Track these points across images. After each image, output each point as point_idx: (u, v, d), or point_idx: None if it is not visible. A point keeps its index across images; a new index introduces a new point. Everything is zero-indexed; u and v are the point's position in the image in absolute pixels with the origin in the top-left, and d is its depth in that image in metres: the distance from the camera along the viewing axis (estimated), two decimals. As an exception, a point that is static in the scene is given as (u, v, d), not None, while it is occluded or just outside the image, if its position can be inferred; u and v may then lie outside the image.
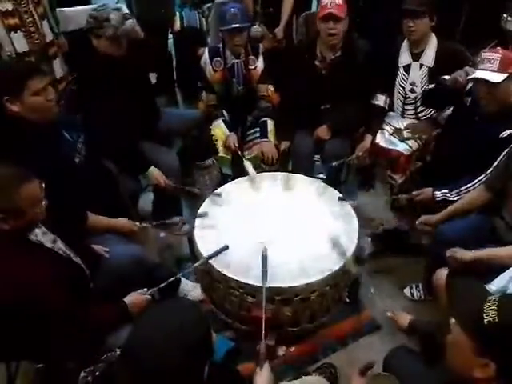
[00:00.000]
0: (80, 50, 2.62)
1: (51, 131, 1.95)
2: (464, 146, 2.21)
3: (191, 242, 2.17)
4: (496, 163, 2.04)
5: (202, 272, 2.07)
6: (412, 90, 2.66)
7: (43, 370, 1.79)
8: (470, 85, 2.26)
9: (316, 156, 2.84)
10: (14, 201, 1.47)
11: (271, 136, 2.85)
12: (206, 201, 2.25)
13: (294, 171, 2.53)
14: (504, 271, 1.71)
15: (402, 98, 2.73)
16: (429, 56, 2.58)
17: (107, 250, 1.97)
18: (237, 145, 2.77)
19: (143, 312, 1.53)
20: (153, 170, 2.46)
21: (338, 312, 2.15)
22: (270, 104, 2.91)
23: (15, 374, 1.90)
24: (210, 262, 1.93)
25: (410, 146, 2.64)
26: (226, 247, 1.95)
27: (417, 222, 2.19)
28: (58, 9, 2.96)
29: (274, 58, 3.03)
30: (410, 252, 2.48)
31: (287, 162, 2.90)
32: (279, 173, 2.47)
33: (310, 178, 2.43)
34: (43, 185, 1.57)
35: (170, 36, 3.86)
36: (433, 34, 2.57)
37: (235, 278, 1.87)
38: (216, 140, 2.82)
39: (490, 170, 2.06)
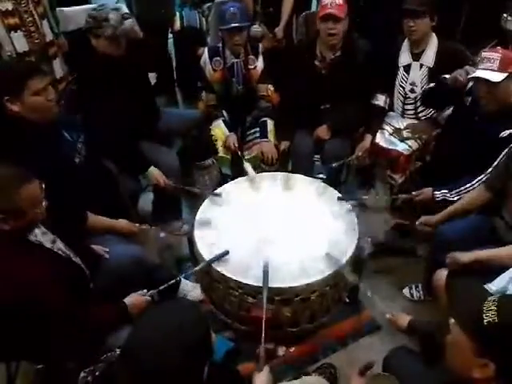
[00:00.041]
0: (79, 49, 2.61)
1: (51, 131, 1.95)
2: (464, 145, 2.21)
3: (191, 242, 2.17)
4: (496, 163, 2.04)
5: (202, 272, 2.07)
6: (412, 90, 2.66)
7: (43, 370, 1.79)
8: (470, 84, 2.25)
9: (316, 156, 2.84)
10: (14, 201, 1.47)
11: (271, 136, 2.85)
12: (206, 201, 2.25)
13: (293, 171, 2.53)
14: (504, 271, 1.71)
15: (401, 98, 2.72)
16: (429, 56, 2.57)
17: (107, 250, 1.97)
18: (236, 145, 2.77)
19: (143, 313, 1.54)
20: (153, 169, 2.46)
21: (337, 312, 2.15)
22: (270, 104, 2.90)
23: (15, 374, 1.90)
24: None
25: (409, 146, 2.63)
26: (227, 252, 1.95)
27: (417, 223, 2.19)
28: (57, 8, 2.96)
29: (274, 57, 3.03)
30: (410, 252, 2.48)
31: (287, 162, 2.90)
32: (279, 173, 2.46)
33: (310, 178, 2.43)
34: (43, 185, 1.57)
35: (170, 36, 3.86)
36: (433, 34, 2.57)
37: (234, 278, 1.87)
38: (216, 140, 2.82)
39: (489, 170, 2.06)
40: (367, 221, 2.50)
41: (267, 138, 2.82)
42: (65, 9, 3.08)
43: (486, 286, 1.61)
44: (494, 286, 1.67)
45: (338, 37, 2.60)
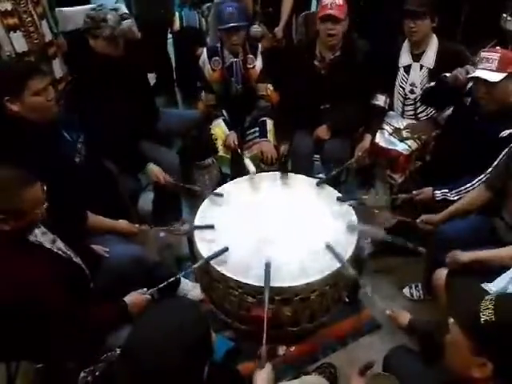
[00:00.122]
0: (78, 50, 2.61)
1: (51, 131, 1.96)
2: (464, 145, 2.21)
3: (191, 241, 2.17)
4: (496, 163, 2.04)
5: (202, 272, 2.07)
6: (412, 91, 2.66)
7: (43, 370, 1.79)
8: (470, 84, 2.25)
9: (316, 156, 2.84)
10: (16, 202, 1.47)
11: (270, 136, 2.85)
12: (206, 201, 2.25)
13: (293, 171, 2.53)
14: (504, 272, 1.71)
15: (401, 99, 2.72)
16: (429, 57, 2.57)
17: (107, 249, 1.97)
18: (237, 143, 2.77)
19: (143, 312, 1.54)
20: (152, 166, 2.46)
21: (337, 312, 2.15)
22: (269, 103, 2.91)
23: (15, 374, 1.90)
24: (210, 262, 1.93)
25: (409, 146, 2.63)
26: (226, 249, 1.95)
27: (418, 221, 2.19)
28: (57, 9, 2.96)
29: (273, 57, 3.03)
30: (409, 252, 2.47)
31: (287, 163, 2.90)
32: (278, 173, 2.46)
33: (310, 178, 2.43)
34: (44, 187, 1.57)
35: (170, 36, 3.86)
36: (434, 35, 2.57)
37: (234, 277, 1.87)
38: (216, 139, 2.82)
39: (489, 170, 2.06)
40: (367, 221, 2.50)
41: (267, 137, 2.82)
42: (64, 9, 3.08)
43: (486, 286, 1.61)
44: (494, 287, 1.67)
45: (338, 37, 2.60)
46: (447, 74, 2.33)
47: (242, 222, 2.11)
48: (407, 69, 2.64)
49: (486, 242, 1.94)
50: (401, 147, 2.64)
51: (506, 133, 2.06)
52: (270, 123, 2.89)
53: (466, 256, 1.82)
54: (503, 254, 1.81)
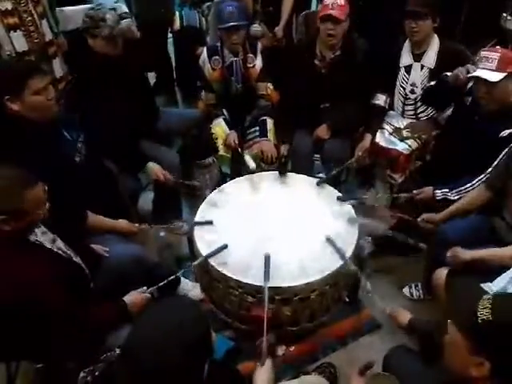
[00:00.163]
0: (78, 49, 2.61)
1: (51, 130, 1.96)
2: (464, 145, 2.21)
3: (191, 241, 2.17)
4: (496, 163, 2.04)
5: (201, 271, 2.07)
6: (412, 91, 2.65)
7: (43, 370, 1.79)
8: (470, 84, 2.25)
9: (316, 156, 2.84)
10: (18, 203, 1.47)
11: (271, 135, 2.85)
12: (206, 201, 2.25)
13: (293, 171, 2.53)
14: (504, 271, 1.71)
15: (402, 99, 2.72)
16: (430, 57, 2.56)
17: (107, 249, 1.97)
18: (237, 142, 2.77)
19: (143, 311, 1.54)
20: (152, 164, 2.45)
21: (337, 311, 2.15)
22: (270, 102, 2.90)
23: (15, 374, 1.90)
24: (210, 261, 1.93)
25: (409, 146, 2.63)
26: (225, 246, 1.95)
27: (419, 220, 2.19)
28: (57, 8, 2.96)
29: (273, 56, 3.03)
30: (409, 251, 2.48)
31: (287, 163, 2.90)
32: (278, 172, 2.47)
33: (310, 178, 2.43)
34: (46, 187, 1.57)
35: (170, 35, 3.85)
36: (435, 35, 2.56)
37: (234, 277, 1.87)
38: (216, 138, 2.82)
39: (489, 170, 2.06)
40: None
41: (267, 137, 2.82)
42: (65, 8, 3.08)
43: (486, 286, 1.61)
44: (494, 286, 1.67)
45: (337, 37, 2.59)
46: (448, 74, 2.33)
47: (242, 221, 2.12)
48: (408, 69, 2.64)
49: (486, 241, 1.94)
50: (401, 147, 2.63)
51: (506, 132, 2.06)
52: (270, 122, 2.89)
53: (467, 254, 1.82)
54: (504, 254, 1.81)
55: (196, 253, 2.03)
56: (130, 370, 1.06)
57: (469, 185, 2.12)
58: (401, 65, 2.65)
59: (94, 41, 2.42)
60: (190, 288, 2.32)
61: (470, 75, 2.15)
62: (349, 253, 1.95)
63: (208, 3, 3.45)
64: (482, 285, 1.54)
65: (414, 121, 2.74)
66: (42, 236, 1.63)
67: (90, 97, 2.35)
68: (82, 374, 1.40)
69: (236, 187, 2.35)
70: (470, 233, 1.99)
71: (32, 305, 1.44)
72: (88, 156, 2.12)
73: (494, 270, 1.75)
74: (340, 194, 2.27)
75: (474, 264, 1.81)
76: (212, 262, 1.93)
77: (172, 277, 1.91)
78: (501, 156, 2.01)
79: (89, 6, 3.07)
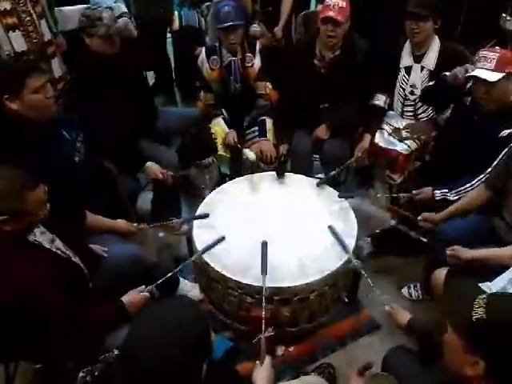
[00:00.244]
0: (76, 49, 2.61)
1: (50, 130, 1.95)
2: (463, 145, 2.21)
3: (190, 241, 2.17)
4: (495, 163, 2.04)
5: (200, 272, 2.07)
6: (412, 92, 2.65)
7: (42, 370, 1.79)
8: (469, 84, 2.25)
9: (315, 156, 2.84)
10: (20, 204, 1.47)
11: (270, 135, 2.85)
12: (205, 200, 2.25)
13: (292, 171, 2.53)
14: (504, 271, 1.71)
15: (401, 100, 2.72)
16: (430, 58, 2.55)
17: (105, 249, 1.97)
18: (236, 140, 2.77)
19: (142, 310, 1.53)
20: (151, 164, 2.45)
21: (337, 312, 2.15)
22: (269, 102, 2.90)
23: (14, 374, 1.90)
24: (209, 261, 1.93)
25: (408, 146, 2.63)
26: (223, 238, 1.96)
27: (418, 218, 2.19)
28: (56, 8, 2.95)
29: (272, 55, 3.02)
30: (409, 252, 2.48)
31: (286, 163, 2.90)
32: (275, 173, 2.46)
33: (309, 178, 2.43)
34: (46, 188, 1.57)
35: (169, 35, 3.85)
36: (436, 37, 2.55)
37: (234, 278, 1.87)
38: (215, 138, 2.82)
39: (489, 170, 2.06)
40: (366, 220, 2.51)
41: (266, 137, 2.82)
42: (64, 8, 3.08)
43: (485, 286, 1.61)
44: (493, 286, 1.67)
45: (338, 38, 2.59)
46: (447, 73, 2.33)
47: (241, 221, 2.12)
48: (408, 70, 2.63)
49: (485, 241, 1.94)
50: (400, 147, 2.63)
51: (505, 133, 2.06)
52: (269, 122, 2.89)
53: (467, 253, 1.82)
54: (503, 253, 1.81)
55: (195, 253, 2.03)
56: (129, 369, 1.06)
57: (468, 185, 2.12)
58: (401, 66, 2.64)
59: (90, 40, 2.42)
60: (189, 289, 2.31)
61: (468, 75, 2.15)
62: (347, 256, 1.95)
63: (207, 3, 3.45)
64: (480, 285, 1.54)
65: (414, 121, 2.74)
66: (41, 236, 1.62)
67: (89, 96, 2.34)
68: (81, 374, 1.40)
69: (235, 187, 2.35)
70: (470, 232, 1.99)
71: (31, 305, 1.44)
72: (87, 156, 2.12)
73: (493, 270, 1.75)
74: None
75: (473, 263, 1.81)
76: (212, 263, 1.93)
77: (170, 274, 1.91)
78: (500, 156, 2.01)
79: (87, 5, 3.08)
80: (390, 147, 2.66)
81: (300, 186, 2.35)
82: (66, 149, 2.06)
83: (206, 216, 2.13)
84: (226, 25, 2.61)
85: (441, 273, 1.91)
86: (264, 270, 1.81)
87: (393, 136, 2.69)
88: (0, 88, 1.82)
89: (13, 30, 2.54)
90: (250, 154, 2.48)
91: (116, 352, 1.19)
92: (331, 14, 2.50)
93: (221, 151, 2.82)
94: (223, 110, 2.92)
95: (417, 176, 2.59)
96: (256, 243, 1.95)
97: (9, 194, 1.45)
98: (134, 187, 2.62)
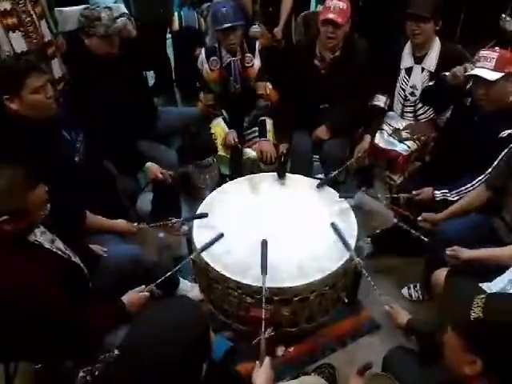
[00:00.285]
0: (76, 49, 2.62)
1: (50, 130, 1.95)
2: (463, 146, 2.21)
3: (189, 242, 2.17)
4: (496, 163, 2.04)
5: (200, 272, 2.07)
6: (412, 93, 2.65)
7: (42, 370, 1.79)
8: (469, 85, 2.25)
9: (315, 156, 2.84)
10: (22, 203, 1.47)
11: (270, 135, 2.85)
12: (205, 201, 2.25)
13: (292, 171, 2.53)
14: (504, 272, 1.71)
15: (401, 100, 2.72)
16: (431, 60, 2.55)
17: (105, 249, 1.97)
18: (236, 140, 2.77)
19: (142, 310, 1.53)
20: (151, 164, 2.45)
21: (337, 312, 2.15)
22: (269, 102, 2.90)
23: (14, 374, 1.90)
24: (209, 262, 1.93)
25: (408, 147, 2.63)
26: (221, 235, 1.96)
27: (419, 219, 2.19)
28: (57, 9, 2.96)
29: (272, 55, 3.02)
30: (409, 252, 2.48)
31: (286, 163, 2.90)
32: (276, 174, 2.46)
33: (309, 179, 2.43)
34: (47, 188, 1.57)
35: (169, 36, 3.85)
36: (436, 38, 2.55)
37: (234, 278, 1.87)
38: (215, 138, 2.82)
39: (489, 170, 2.06)
40: (366, 221, 2.50)
41: (266, 137, 2.82)
42: (63, 9, 3.08)
43: (485, 287, 1.61)
44: (493, 286, 1.67)
45: (337, 40, 2.59)
46: (446, 73, 2.33)
47: (241, 222, 2.12)
48: (408, 71, 2.63)
49: (485, 241, 1.94)
50: (400, 148, 2.64)
51: (505, 133, 2.06)
52: (269, 123, 2.89)
53: (466, 253, 1.82)
54: (502, 253, 1.81)
55: (194, 250, 2.03)
56: (129, 368, 1.06)
57: (469, 185, 2.12)
58: (401, 67, 2.64)
59: (90, 40, 2.43)
60: (189, 289, 2.31)
61: (468, 73, 2.15)
62: (347, 256, 1.95)
63: (207, 4, 3.45)
64: (481, 285, 1.54)
65: (413, 122, 2.74)
66: (41, 236, 1.62)
67: (89, 97, 2.34)
68: (81, 374, 1.40)
69: (236, 187, 2.36)
70: (470, 232, 1.99)
71: (31, 304, 1.44)
72: (87, 156, 2.12)
73: (492, 271, 1.75)
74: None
75: (472, 263, 1.81)
76: (212, 263, 1.93)
77: (170, 272, 1.91)
78: (500, 156, 2.01)
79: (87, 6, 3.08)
80: (389, 148, 2.66)
81: (300, 186, 2.35)
82: (66, 149, 2.06)
83: (205, 215, 2.13)
84: (224, 26, 2.60)
85: (441, 273, 1.91)
86: (264, 270, 1.81)
87: (393, 137, 2.70)
88: (0, 88, 1.82)
89: (13, 31, 2.53)
90: (250, 152, 2.48)
91: (116, 352, 1.18)
92: (331, 16, 2.49)
93: (221, 151, 2.82)
94: (223, 110, 2.92)
95: (417, 176, 2.59)
96: (256, 243, 1.95)
97: (9, 193, 1.45)
98: (133, 187, 2.62)
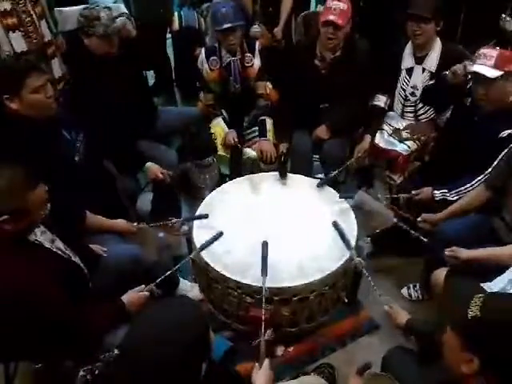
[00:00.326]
0: (75, 49, 2.62)
1: (50, 129, 1.96)
2: (463, 146, 2.21)
3: (189, 242, 2.17)
4: (496, 163, 2.04)
5: (200, 272, 2.07)
6: (412, 94, 2.64)
7: (42, 369, 1.79)
8: (469, 83, 2.25)
9: (315, 156, 2.84)
10: (22, 203, 1.47)
11: (270, 135, 2.85)
12: (205, 201, 2.26)
13: (292, 171, 2.53)
14: (504, 272, 1.71)
15: (402, 100, 2.71)
16: (432, 60, 2.55)
17: (105, 249, 1.97)
18: (236, 140, 2.77)
19: (142, 310, 1.53)
20: (150, 164, 2.45)
21: (336, 312, 2.15)
22: (269, 102, 2.90)
23: (14, 374, 1.90)
24: (209, 261, 1.93)
25: (408, 147, 2.63)
26: (221, 234, 1.96)
27: (418, 219, 2.19)
28: (57, 9, 2.96)
29: (272, 55, 3.02)
30: (409, 252, 2.48)
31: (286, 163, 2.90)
32: (278, 173, 2.46)
33: (309, 178, 2.43)
34: (47, 188, 1.57)
35: (169, 36, 3.86)
36: (438, 39, 2.54)
37: (233, 277, 1.87)
38: (215, 138, 2.82)
39: (489, 170, 2.06)
40: (366, 221, 2.50)
41: (266, 137, 2.82)
42: (63, 9, 3.08)
43: (486, 287, 1.61)
44: (493, 287, 1.67)
45: (338, 41, 2.59)
46: (446, 72, 2.33)
47: (241, 221, 2.12)
48: (409, 71, 2.62)
49: (485, 241, 1.93)
50: (400, 148, 2.64)
51: (505, 133, 2.06)
52: (269, 122, 2.89)
53: (465, 253, 1.82)
54: (502, 253, 1.81)
55: (194, 250, 2.03)
56: (128, 368, 1.06)
57: (468, 185, 2.12)
58: (402, 67, 2.64)
59: (89, 40, 2.43)
60: (189, 288, 2.31)
61: (468, 70, 2.14)
62: (347, 256, 1.95)
63: (207, 4, 3.45)
64: (482, 285, 1.54)
65: (414, 122, 2.74)
66: (42, 236, 1.62)
67: (88, 96, 2.35)
68: (81, 373, 1.40)
69: (236, 187, 2.36)
70: (469, 232, 1.99)
71: (31, 304, 1.44)
72: (87, 156, 2.12)
73: (492, 270, 1.75)
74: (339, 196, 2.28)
75: (471, 263, 1.81)
76: (212, 263, 1.93)
77: (169, 272, 1.91)
78: (500, 156, 2.01)
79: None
80: (390, 148, 2.66)
81: (300, 186, 2.36)
82: (66, 149, 2.06)
83: (205, 216, 2.13)
84: (224, 27, 2.60)
85: (440, 273, 1.91)
86: (264, 271, 1.81)
87: (393, 137, 2.70)
88: (0, 88, 1.82)
89: (13, 31, 2.53)
90: (250, 152, 2.48)
91: (116, 351, 1.19)
92: (332, 17, 2.49)
93: (221, 151, 2.83)
94: (223, 110, 2.92)
95: (416, 176, 2.59)
96: (256, 243, 1.95)
97: (9, 193, 1.45)
98: (133, 187, 2.62)
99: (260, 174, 2.50)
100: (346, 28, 2.56)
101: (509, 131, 2.06)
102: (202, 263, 1.99)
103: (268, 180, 2.40)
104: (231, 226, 2.09)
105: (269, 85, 2.88)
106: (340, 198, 2.26)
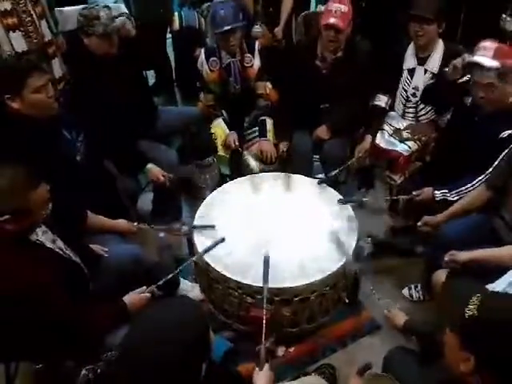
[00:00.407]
0: (75, 49, 2.62)
1: (51, 129, 1.96)
2: (464, 146, 2.21)
3: (190, 242, 2.17)
4: (496, 163, 2.04)
5: (201, 272, 2.07)
6: (414, 94, 2.64)
7: (42, 370, 1.79)
8: (469, 82, 2.25)
9: (315, 156, 2.84)
10: (24, 203, 1.47)
11: (270, 135, 2.84)
12: (205, 201, 2.25)
13: (293, 171, 2.53)
14: (504, 273, 1.71)
15: (403, 101, 2.71)
16: (434, 61, 2.54)
17: (106, 249, 1.97)
18: (237, 143, 2.77)
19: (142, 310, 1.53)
20: (152, 166, 2.45)
21: (337, 312, 2.15)
22: (269, 102, 2.90)
23: (14, 374, 1.90)
24: (210, 262, 1.93)
25: (409, 147, 2.63)
26: (223, 240, 1.96)
27: (418, 224, 2.19)
28: (57, 8, 2.96)
29: (273, 55, 3.02)
30: (409, 252, 2.48)
31: (286, 163, 2.90)
32: (280, 173, 2.46)
33: (310, 179, 2.43)
34: (48, 187, 1.57)
35: (169, 35, 3.85)
36: (440, 40, 2.54)
37: (234, 278, 1.87)
38: (215, 139, 2.82)
39: (489, 171, 2.06)
40: (367, 221, 2.51)
41: (266, 137, 2.81)
42: (63, 9, 3.08)
43: (489, 288, 1.60)
44: (494, 287, 1.67)
45: (339, 43, 2.58)
46: (446, 69, 2.33)
47: (242, 222, 2.12)
48: (411, 72, 2.61)
49: (486, 241, 1.93)
50: (401, 148, 2.63)
51: (506, 133, 2.06)
52: (269, 122, 2.88)
53: (464, 255, 1.82)
54: (502, 253, 1.81)
55: (196, 253, 2.03)
56: (129, 367, 1.06)
57: (469, 185, 2.12)
58: (404, 68, 2.63)
59: (89, 39, 2.43)
60: (190, 289, 2.31)
61: (467, 60, 2.14)
62: (349, 252, 1.95)
63: (207, 3, 3.44)
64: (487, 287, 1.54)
65: (414, 122, 2.74)
66: (43, 235, 1.63)
67: (88, 96, 2.34)
68: (83, 372, 1.40)
69: (236, 187, 2.36)
70: (470, 233, 1.99)
71: (32, 304, 1.44)
72: (87, 156, 2.12)
73: (493, 271, 1.75)
74: (340, 197, 2.28)
75: (471, 264, 1.81)
76: (212, 263, 1.93)
77: (171, 274, 1.91)
78: (501, 156, 2.01)
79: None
80: (390, 148, 2.66)
81: (301, 186, 2.35)
82: (67, 148, 2.06)
83: (212, 227, 2.09)
84: (223, 29, 2.59)
85: (441, 273, 1.92)
86: (266, 281, 1.80)
87: (393, 137, 2.69)
88: (1, 87, 1.83)
89: (13, 31, 2.53)
90: (252, 162, 2.48)
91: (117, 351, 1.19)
92: (333, 21, 2.48)
93: (221, 152, 2.82)
94: (223, 110, 2.92)
95: (417, 176, 2.59)
96: (257, 244, 1.96)
97: (11, 193, 1.45)
98: (134, 187, 2.62)
99: (261, 174, 2.50)
100: (347, 30, 2.56)
101: (509, 132, 2.06)
102: (202, 264, 1.99)
103: (269, 180, 2.40)
104: (232, 226, 2.09)
105: (269, 85, 2.88)
106: (339, 202, 2.24)
